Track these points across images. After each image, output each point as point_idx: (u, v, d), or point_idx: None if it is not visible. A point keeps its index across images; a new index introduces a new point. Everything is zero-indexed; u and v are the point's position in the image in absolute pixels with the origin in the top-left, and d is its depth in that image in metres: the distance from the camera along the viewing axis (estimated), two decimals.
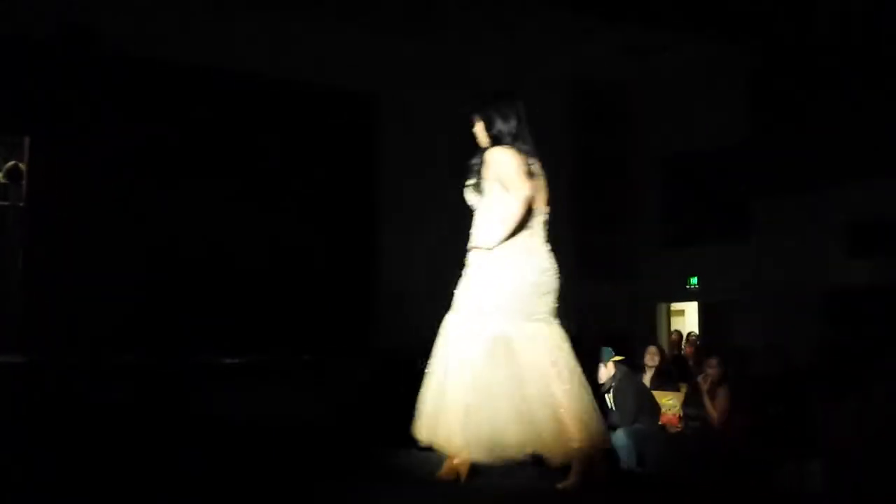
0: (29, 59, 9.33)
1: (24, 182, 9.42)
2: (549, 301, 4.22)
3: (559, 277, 4.27)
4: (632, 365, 7.92)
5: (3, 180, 9.46)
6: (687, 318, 14.42)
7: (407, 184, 11.40)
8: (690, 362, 9.86)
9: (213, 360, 8.64)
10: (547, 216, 4.35)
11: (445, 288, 4.41)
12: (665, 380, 8.39)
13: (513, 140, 4.25)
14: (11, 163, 9.46)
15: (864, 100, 10.50)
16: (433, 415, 4.17)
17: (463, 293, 4.26)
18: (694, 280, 12.78)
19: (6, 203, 9.49)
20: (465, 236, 4.37)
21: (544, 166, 4.41)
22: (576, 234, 12.75)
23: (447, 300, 4.38)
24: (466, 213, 4.44)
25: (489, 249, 4.20)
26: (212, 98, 10.45)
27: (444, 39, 11.28)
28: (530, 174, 4.21)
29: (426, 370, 4.30)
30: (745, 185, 11.88)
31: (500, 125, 4.28)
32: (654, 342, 9.45)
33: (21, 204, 9.47)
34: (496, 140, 4.28)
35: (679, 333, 13.50)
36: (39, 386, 8.01)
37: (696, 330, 13.46)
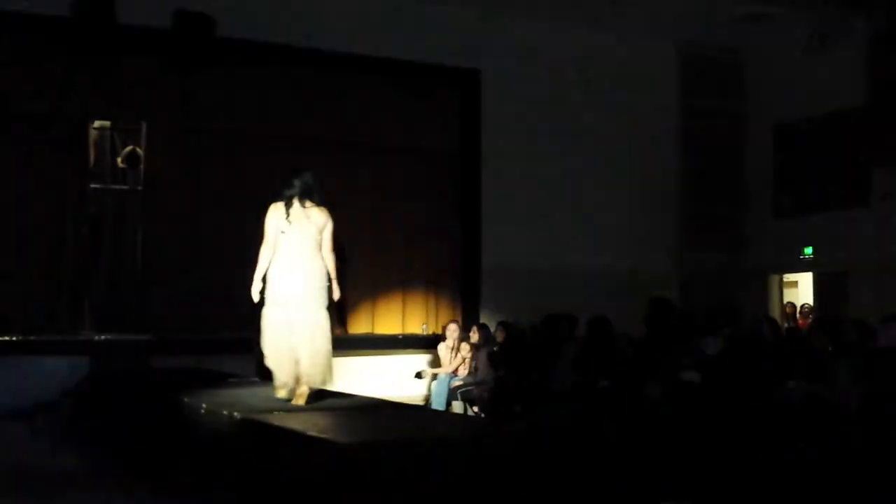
0: (145, 46, 9.60)
1: (141, 166, 9.72)
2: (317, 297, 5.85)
3: (328, 284, 5.88)
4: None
5: (121, 165, 9.76)
6: (800, 289, 14.06)
7: (509, 156, 11.46)
8: (805, 334, 9.63)
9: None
10: (321, 239, 5.87)
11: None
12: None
13: (288, 199, 5.85)
14: (129, 147, 9.75)
15: None
16: (293, 364, 5.76)
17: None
18: (808, 250, 12.42)
19: (125, 187, 9.79)
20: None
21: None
22: (687, 204, 12.62)
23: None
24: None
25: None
26: (322, 80, 10.64)
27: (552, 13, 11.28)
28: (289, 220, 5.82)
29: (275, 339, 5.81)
30: (862, 152, 11.49)
31: (284, 190, 5.90)
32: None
33: (139, 188, 9.78)
34: (280, 198, 5.90)
35: (792, 305, 13.20)
36: (166, 359, 8.41)
37: (810, 301, 13.13)
